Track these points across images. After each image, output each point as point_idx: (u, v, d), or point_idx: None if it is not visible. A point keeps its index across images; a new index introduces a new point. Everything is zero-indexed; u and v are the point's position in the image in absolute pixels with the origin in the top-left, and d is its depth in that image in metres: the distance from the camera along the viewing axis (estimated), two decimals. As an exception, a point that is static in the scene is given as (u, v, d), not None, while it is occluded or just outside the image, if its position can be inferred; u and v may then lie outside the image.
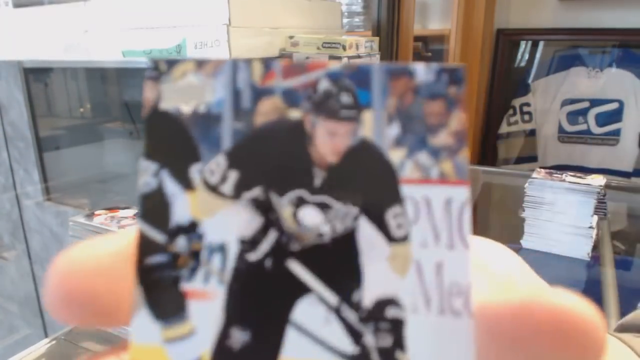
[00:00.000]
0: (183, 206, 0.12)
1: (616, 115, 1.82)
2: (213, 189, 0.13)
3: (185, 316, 0.12)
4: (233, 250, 0.12)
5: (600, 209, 1.15)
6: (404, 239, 0.13)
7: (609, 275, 1.05)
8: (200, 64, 0.13)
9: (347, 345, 0.12)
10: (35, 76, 1.39)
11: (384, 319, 0.12)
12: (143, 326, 0.12)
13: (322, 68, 0.13)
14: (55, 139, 1.48)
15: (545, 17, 1.88)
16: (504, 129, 2.00)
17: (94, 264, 0.12)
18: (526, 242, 1.19)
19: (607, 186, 1.18)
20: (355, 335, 0.12)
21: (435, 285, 0.12)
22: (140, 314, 0.12)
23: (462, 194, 0.13)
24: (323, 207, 0.13)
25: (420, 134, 0.13)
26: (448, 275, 0.12)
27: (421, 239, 0.12)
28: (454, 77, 0.13)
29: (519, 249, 1.18)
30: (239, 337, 0.12)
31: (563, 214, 1.13)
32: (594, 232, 1.12)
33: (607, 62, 1.83)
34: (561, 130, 1.93)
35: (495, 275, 0.15)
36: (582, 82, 1.86)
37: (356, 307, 0.12)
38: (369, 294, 0.12)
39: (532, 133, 1.97)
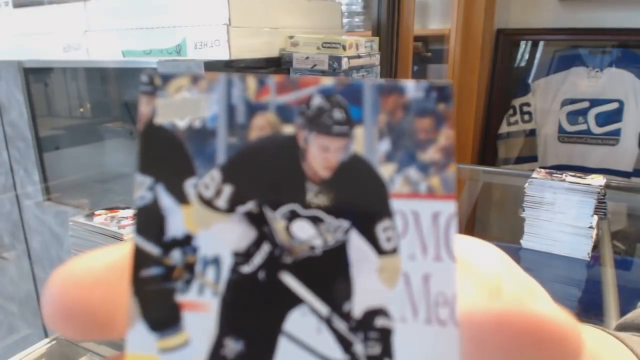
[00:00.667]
0: (178, 220, 0.13)
1: (616, 115, 1.82)
2: (207, 202, 0.13)
3: (180, 327, 0.12)
4: (227, 262, 0.13)
5: (600, 209, 1.15)
6: (393, 251, 0.13)
7: (609, 275, 1.05)
8: (195, 79, 0.13)
9: (338, 354, 0.13)
10: (35, 76, 1.39)
11: (373, 328, 0.13)
12: (139, 337, 0.12)
13: (315, 84, 0.13)
14: (55, 139, 1.48)
15: (545, 17, 1.88)
16: (504, 128, 2.00)
17: (91, 277, 0.12)
18: (526, 242, 1.19)
19: (607, 186, 1.18)
20: (346, 344, 0.13)
21: (423, 296, 0.13)
22: (135, 325, 0.12)
23: (449, 208, 0.13)
24: (315, 220, 0.13)
25: (409, 150, 0.13)
26: (435, 287, 0.13)
27: (409, 251, 0.13)
28: (442, 94, 0.13)
29: (519, 249, 1.19)
30: (232, 347, 0.12)
31: (563, 214, 1.14)
32: (594, 232, 1.12)
33: (607, 62, 1.83)
34: (561, 130, 1.93)
35: (484, 276, 0.15)
36: (582, 82, 1.86)
37: (346, 317, 0.13)
38: (358, 305, 0.13)
39: (532, 133, 1.97)
